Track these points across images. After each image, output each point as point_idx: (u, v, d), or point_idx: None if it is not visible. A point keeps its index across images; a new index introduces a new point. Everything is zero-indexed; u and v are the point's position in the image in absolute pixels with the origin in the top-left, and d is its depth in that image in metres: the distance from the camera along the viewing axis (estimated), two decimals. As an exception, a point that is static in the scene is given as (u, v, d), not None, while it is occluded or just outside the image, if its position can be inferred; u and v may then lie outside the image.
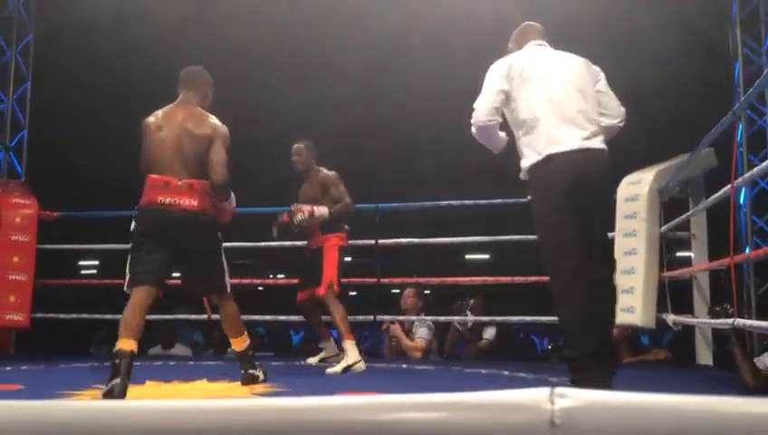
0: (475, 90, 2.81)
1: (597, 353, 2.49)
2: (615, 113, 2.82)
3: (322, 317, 4.47)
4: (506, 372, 3.70)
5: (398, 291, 5.80)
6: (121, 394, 2.68)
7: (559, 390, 0.74)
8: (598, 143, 2.66)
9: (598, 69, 2.87)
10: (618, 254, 4.17)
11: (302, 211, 4.05)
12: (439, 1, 6.16)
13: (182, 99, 3.17)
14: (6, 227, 5.13)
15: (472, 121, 2.76)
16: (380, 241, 4.95)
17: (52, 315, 5.52)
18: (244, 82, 7.18)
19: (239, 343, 3.32)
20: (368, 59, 6.96)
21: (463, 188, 6.67)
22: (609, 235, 3.22)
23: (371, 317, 5.09)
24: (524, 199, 4.15)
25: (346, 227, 4.33)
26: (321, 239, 4.22)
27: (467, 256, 15.31)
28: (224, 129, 3.12)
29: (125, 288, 2.98)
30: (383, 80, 7.42)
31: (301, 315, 4.74)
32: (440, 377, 3.89)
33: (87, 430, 0.85)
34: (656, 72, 6.72)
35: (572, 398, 0.74)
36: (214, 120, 3.14)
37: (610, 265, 3.13)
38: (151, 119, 3.10)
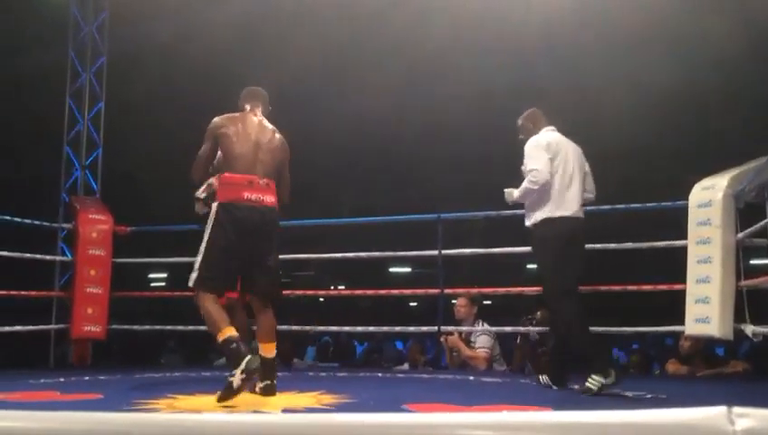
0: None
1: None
2: (592, 190, 3.77)
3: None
4: (577, 386, 3.60)
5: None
6: (256, 365, 2.89)
7: (737, 410, 0.70)
8: (582, 213, 3.65)
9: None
10: (691, 262, 4.03)
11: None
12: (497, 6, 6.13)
13: (253, 111, 3.31)
14: (84, 241, 5.35)
15: (536, 179, 3.50)
16: (444, 251, 4.92)
17: (126, 327, 5.72)
18: (306, 98, 7.32)
19: (272, 350, 3.27)
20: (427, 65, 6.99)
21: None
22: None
23: (435, 328, 5.06)
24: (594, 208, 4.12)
25: None
26: None
27: (528, 266, 15.09)
28: (288, 149, 3.34)
29: (191, 283, 3.08)
30: (439, 89, 7.44)
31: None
32: (510, 390, 3.83)
33: None
34: (725, 76, 6.50)
35: (754, 418, 0.69)
36: (283, 138, 3.31)
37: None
38: (227, 123, 3.20)
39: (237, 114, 3.29)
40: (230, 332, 2.94)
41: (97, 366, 5.40)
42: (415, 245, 5.23)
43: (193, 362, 6.57)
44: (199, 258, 3.09)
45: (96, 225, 5.36)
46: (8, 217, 5.07)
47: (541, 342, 5.12)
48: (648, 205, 4.75)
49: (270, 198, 3.15)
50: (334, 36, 6.81)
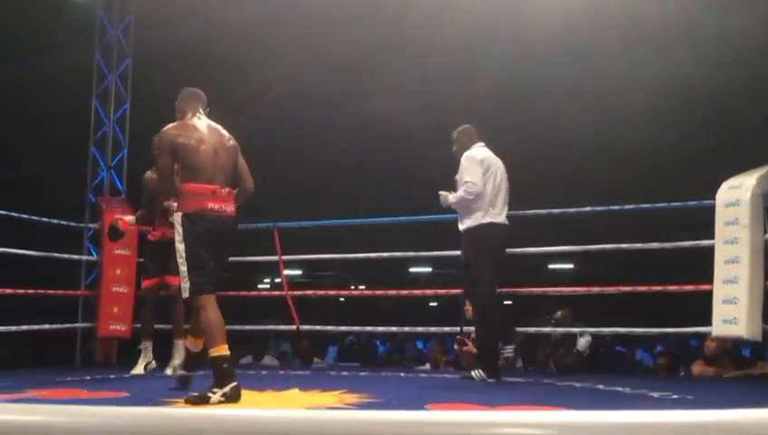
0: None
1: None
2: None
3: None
4: (602, 386, 3.58)
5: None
6: (238, 396, 2.94)
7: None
8: (507, 220, 4.19)
9: None
10: (718, 262, 3.99)
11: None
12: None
13: (197, 115, 3.30)
14: (109, 241, 5.41)
15: (471, 190, 4.00)
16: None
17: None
18: (339, 93, 7.36)
19: (198, 344, 3.32)
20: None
21: (539, 197, 6.58)
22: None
23: (457, 328, 5.05)
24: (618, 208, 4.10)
25: None
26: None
27: (550, 266, 15.01)
28: (236, 143, 3.37)
29: (185, 294, 3.12)
30: (457, 89, 7.42)
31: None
32: (533, 390, 3.81)
33: None
34: (753, 74, 6.41)
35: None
36: (229, 134, 3.33)
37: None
38: (181, 132, 3.20)
39: (187, 122, 3.26)
40: (225, 350, 3.00)
41: (122, 365, 5.46)
42: (435, 245, 5.22)
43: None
44: (185, 268, 3.11)
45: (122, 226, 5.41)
46: (36, 218, 5.16)
47: (563, 341, 5.09)
48: (673, 204, 4.69)
49: (230, 208, 3.23)
50: (352, 37, 6.83)
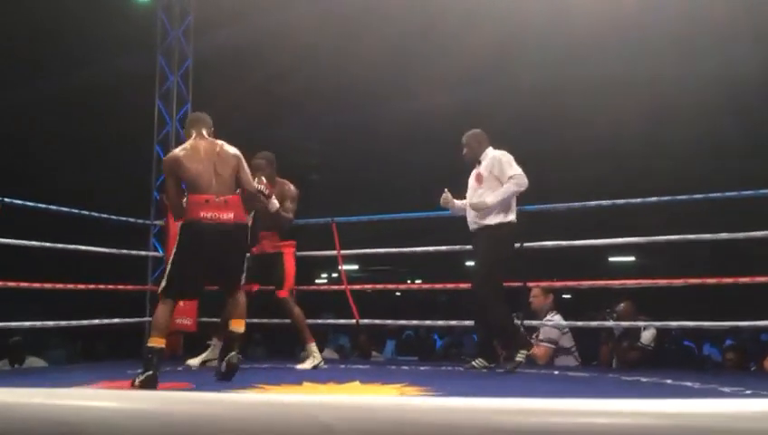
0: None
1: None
2: None
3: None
4: (669, 381, 3.48)
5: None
6: (154, 385, 3.26)
7: None
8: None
9: None
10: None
11: (263, 184, 4.22)
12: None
13: (199, 135, 3.67)
14: (174, 238, 5.56)
15: (522, 182, 4.14)
16: (525, 244, 4.83)
17: (216, 320, 5.90)
18: (373, 95, 7.37)
19: (241, 325, 3.66)
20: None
21: (600, 189, 6.44)
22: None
23: (518, 322, 4.99)
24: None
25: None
26: (277, 244, 4.65)
27: (611, 259, 14.68)
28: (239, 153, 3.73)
29: (159, 291, 3.52)
30: (506, 82, 7.34)
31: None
32: (600, 384, 3.74)
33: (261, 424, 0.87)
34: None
35: None
36: (231, 146, 3.69)
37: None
38: (179, 155, 3.57)
39: (187, 144, 3.64)
40: (160, 343, 3.39)
41: (187, 357, 5.61)
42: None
43: (277, 354, 6.73)
44: (168, 269, 3.53)
45: (186, 221, 5.56)
46: (105, 216, 5.34)
47: (626, 335, 4.97)
48: (743, 193, 4.51)
49: (226, 215, 3.49)
50: (400, 32, 6.83)
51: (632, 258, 14.61)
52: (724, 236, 4.50)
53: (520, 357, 4.12)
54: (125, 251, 5.56)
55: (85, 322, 5.20)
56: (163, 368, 4.49)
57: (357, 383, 3.62)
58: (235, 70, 7.44)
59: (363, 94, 7.71)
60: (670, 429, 0.81)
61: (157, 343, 3.39)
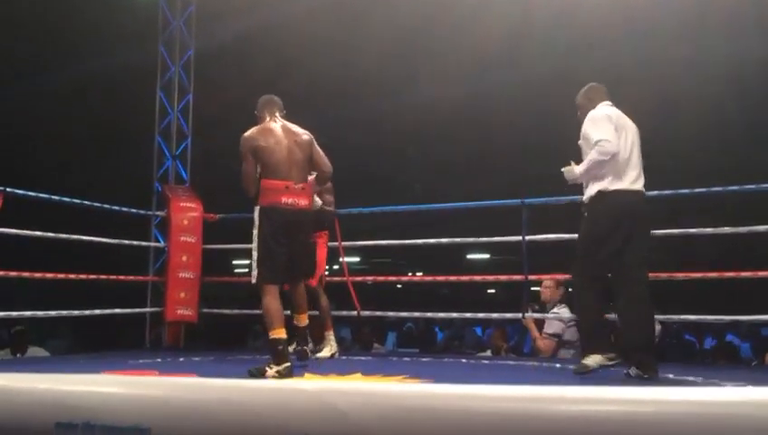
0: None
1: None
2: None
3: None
4: (671, 376, 3.48)
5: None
6: (291, 374, 3.29)
7: None
8: (642, 187, 3.51)
9: None
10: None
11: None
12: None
13: (273, 118, 3.71)
14: (176, 228, 5.57)
15: (605, 149, 3.37)
16: (528, 237, 4.83)
17: (216, 311, 5.92)
18: (379, 85, 7.34)
19: (303, 320, 3.85)
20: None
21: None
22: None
23: (519, 315, 5.00)
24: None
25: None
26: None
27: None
28: (312, 136, 3.74)
29: (253, 279, 3.50)
30: (512, 74, 7.31)
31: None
32: (600, 377, 3.74)
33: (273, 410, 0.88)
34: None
35: None
36: (305, 131, 3.73)
37: None
38: (258, 136, 3.58)
39: (265, 126, 3.66)
40: (282, 333, 3.40)
41: (189, 348, 5.63)
42: (491, 231, 5.17)
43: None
44: (255, 256, 3.48)
45: (187, 212, 5.57)
46: (107, 206, 5.34)
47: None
48: (745, 187, 4.51)
49: (304, 202, 3.56)
50: (406, 22, 6.80)
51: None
52: (726, 230, 4.49)
53: (590, 361, 3.42)
54: (126, 242, 5.56)
55: (87, 312, 5.21)
56: (166, 359, 4.52)
57: (359, 375, 3.62)
58: (237, 61, 7.41)
59: (366, 85, 7.69)
60: (672, 416, 0.81)
61: (278, 334, 3.39)
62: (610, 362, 3.41)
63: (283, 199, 3.48)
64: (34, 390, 0.89)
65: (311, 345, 4.49)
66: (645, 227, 3.54)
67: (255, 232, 3.49)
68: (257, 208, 3.52)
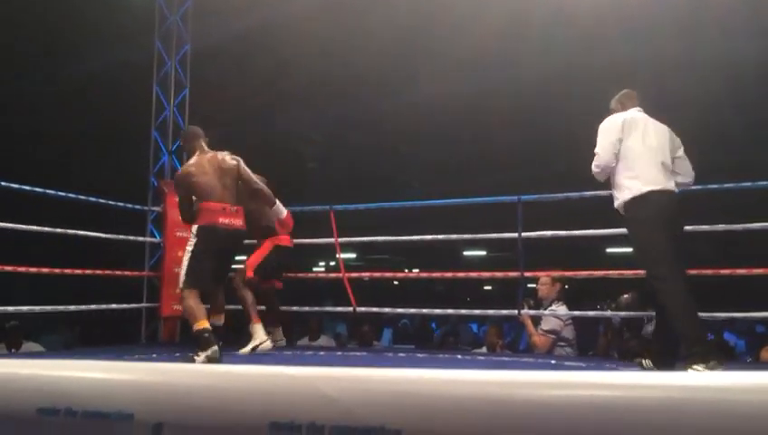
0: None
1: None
2: (689, 176, 3.67)
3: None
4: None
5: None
6: (220, 359, 3.60)
7: None
8: (672, 186, 3.52)
9: (678, 139, 3.69)
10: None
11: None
12: None
13: (202, 148, 4.12)
14: (171, 224, 5.56)
15: (597, 163, 3.53)
16: (524, 234, 4.83)
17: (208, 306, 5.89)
18: (377, 85, 7.32)
19: (222, 319, 4.26)
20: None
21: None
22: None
23: (515, 311, 5.00)
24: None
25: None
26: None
27: (608, 250, 14.71)
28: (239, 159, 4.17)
29: (180, 284, 3.91)
30: (510, 72, 7.31)
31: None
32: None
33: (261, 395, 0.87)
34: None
35: None
36: (231, 154, 4.15)
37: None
38: (191, 171, 4.01)
39: (196, 160, 4.04)
40: (206, 324, 3.77)
41: (185, 343, 5.61)
42: (486, 228, 5.17)
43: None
44: (185, 266, 3.90)
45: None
46: (102, 201, 5.33)
47: (626, 326, 4.98)
48: (742, 184, 4.51)
49: (238, 222, 4.01)
50: (404, 22, 6.80)
51: (630, 249, 14.62)
52: (721, 227, 4.49)
53: (697, 367, 3.14)
54: (122, 237, 5.54)
55: (83, 307, 5.20)
56: (161, 354, 4.51)
57: (353, 370, 3.62)
58: (234, 56, 7.40)
59: (364, 84, 7.69)
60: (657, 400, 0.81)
61: (203, 325, 3.74)
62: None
63: (221, 220, 3.92)
64: (16, 375, 0.89)
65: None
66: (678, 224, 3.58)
67: (190, 247, 3.91)
68: (195, 227, 3.94)
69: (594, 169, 3.55)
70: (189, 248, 3.93)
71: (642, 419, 0.80)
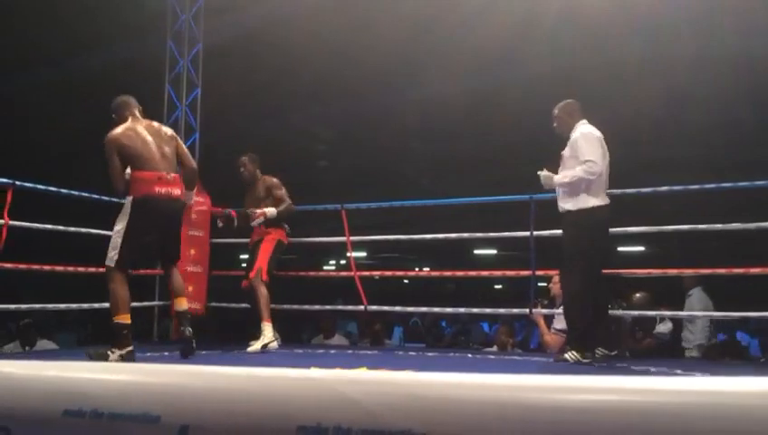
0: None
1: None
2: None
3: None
4: (679, 371, 3.47)
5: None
6: (133, 358, 3.43)
7: None
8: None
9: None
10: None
11: (257, 216, 4.72)
12: None
13: (133, 116, 3.84)
14: (185, 222, 5.58)
15: (592, 170, 3.79)
16: (535, 233, 4.81)
17: (225, 305, 5.92)
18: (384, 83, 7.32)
19: (183, 303, 4.01)
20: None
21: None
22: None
23: (526, 310, 4.99)
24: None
25: (286, 226, 4.92)
26: (262, 232, 4.83)
27: (620, 249, 14.65)
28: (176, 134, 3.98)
29: (110, 262, 3.62)
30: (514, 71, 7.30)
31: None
32: (609, 372, 3.73)
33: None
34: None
35: None
36: (164, 126, 3.98)
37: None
38: (122, 135, 3.72)
39: (128, 125, 3.76)
40: (127, 319, 3.55)
41: (197, 342, 5.62)
42: (500, 227, 5.16)
43: (285, 339, 6.76)
44: (118, 242, 3.60)
45: (195, 206, 5.56)
46: (115, 200, 5.34)
47: (637, 324, 4.96)
48: (756, 183, 4.47)
49: (177, 191, 3.72)
50: (410, 20, 6.79)
51: (641, 248, 14.57)
52: (735, 226, 4.46)
53: (570, 356, 3.84)
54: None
55: (96, 305, 5.23)
56: (173, 352, 4.53)
57: (364, 369, 3.62)
58: (245, 56, 7.42)
59: (374, 82, 7.68)
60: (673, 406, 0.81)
61: (124, 319, 3.53)
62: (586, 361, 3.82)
63: (157, 189, 3.62)
64: (42, 377, 0.90)
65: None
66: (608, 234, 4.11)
67: (124, 221, 3.62)
68: (129, 199, 3.66)
69: (590, 176, 3.81)
70: (123, 222, 3.64)
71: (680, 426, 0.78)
